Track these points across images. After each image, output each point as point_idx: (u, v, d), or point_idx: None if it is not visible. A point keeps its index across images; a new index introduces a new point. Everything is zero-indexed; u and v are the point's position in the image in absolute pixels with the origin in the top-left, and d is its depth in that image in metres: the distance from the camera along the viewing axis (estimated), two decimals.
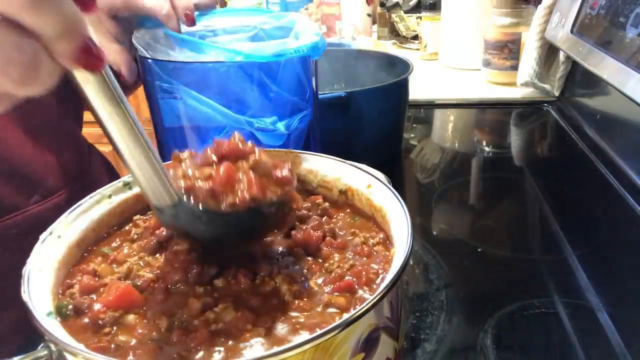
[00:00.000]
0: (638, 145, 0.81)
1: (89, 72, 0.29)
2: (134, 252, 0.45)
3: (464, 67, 1.36)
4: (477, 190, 0.88)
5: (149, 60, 0.58)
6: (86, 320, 0.37)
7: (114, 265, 0.43)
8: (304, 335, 0.35)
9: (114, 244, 0.46)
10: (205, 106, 0.57)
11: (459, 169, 0.95)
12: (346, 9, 1.59)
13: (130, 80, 0.62)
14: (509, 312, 0.54)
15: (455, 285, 0.59)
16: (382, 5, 1.67)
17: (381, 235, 0.46)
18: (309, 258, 0.43)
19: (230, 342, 0.35)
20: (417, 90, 1.15)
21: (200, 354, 0.34)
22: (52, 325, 0.33)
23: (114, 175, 0.78)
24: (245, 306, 0.37)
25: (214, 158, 0.40)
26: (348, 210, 0.50)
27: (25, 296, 0.34)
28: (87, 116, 0.71)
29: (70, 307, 0.38)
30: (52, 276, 0.39)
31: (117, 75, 0.62)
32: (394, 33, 1.69)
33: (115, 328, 0.36)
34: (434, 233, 0.72)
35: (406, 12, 1.60)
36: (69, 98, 0.66)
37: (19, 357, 0.32)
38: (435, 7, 1.45)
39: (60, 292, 0.40)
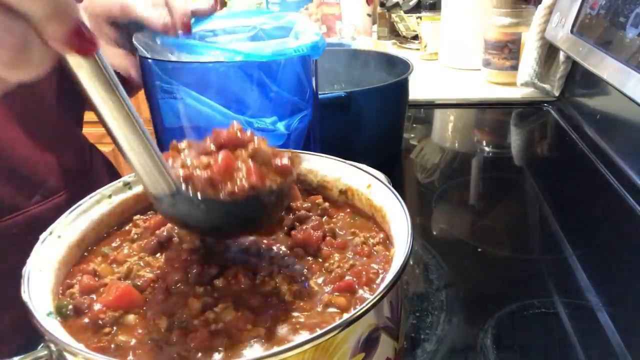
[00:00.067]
0: (638, 145, 0.81)
1: (82, 56, 0.28)
2: (134, 252, 0.45)
3: (464, 67, 1.36)
4: (477, 190, 0.88)
5: (149, 61, 0.58)
6: (86, 320, 0.37)
7: (114, 265, 0.43)
8: (304, 335, 0.35)
9: (114, 244, 0.46)
10: (205, 106, 0.57)
11: (459, 169, 0.95)
12: (346, 9, 1.59)
13: (138, 81, 0.62)
14: (509, 312, 0.54)
15: (455, 285, 0.59)
16: (382, 5, 1.67)
17: (381, 235, 0.46)
18: (309, 258, 0.43)
19: (230, 342, 0.35)
20: (417, 90, 1.15)
21: (200, 354, 0.34)
22: (52, 325, 0.33)
23: (115, 176, 0.78)
24: (245, 306, 0.37)
25: (213, 147, 0.39)
26: (348, 210, 0.50)
27: (25, 296, 0.34)
28: (88, 116, 0.71)
29: (70, 307, 0.38)
30: (52, 276, 0.39)
31: (125, 78, 0.62)
32: (394, 33, 1.69)
33: (115, 328, 0.36)
34: (434, 233, 0.72)
35: (406, 12, 1.60)
36: (70, 98, 0.66)
37: (19, 357, 0.32)
38: (435, 7, 1.45)
39: (60, 292, 0.40)
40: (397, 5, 1.61)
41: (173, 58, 0.57)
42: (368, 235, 0.46)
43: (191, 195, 0.36)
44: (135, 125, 0.32)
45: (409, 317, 0.54)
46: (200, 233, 0.42)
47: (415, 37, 1.60)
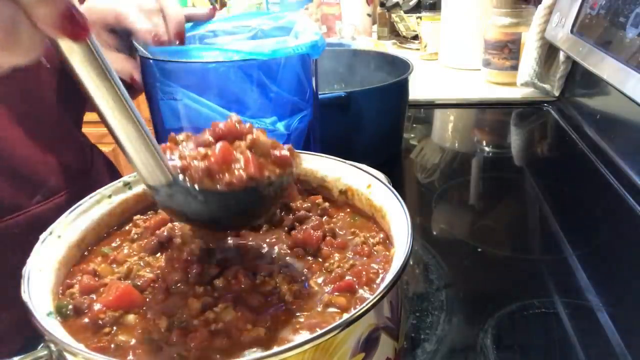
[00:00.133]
0: (638, 145, 0.81)
1: (74, 41, 0.28)
2: (134, 252, 0.45)
3: (464, 67, 1.36)
4: (477, 190, 0.88)
5: (150, 61, 0.58)
6: (86, 320, 0.37)
7: (114, 265, 0.43)
8: (304, 335, 0.35)
9: (114, 244, 0.46)
10: (204, 107, 0.57)
11: (459, 169, 0.95)
12: (346, 9, 1.60)
13: (141, 84, 0.62)
14: (509, 312, 0.54)
15: (455, 285, 0.59)
16: (382, 5, 1.67)
17: (381, 235, 0.46)
18: (309, 258, 0.43)
19: (230, 342, 0.35)
20: (417, 90, 1.15)
21: (200, 354, 0.34)
22: (52, 325, 0.33)
23: (115, 176, 0.78)
24: (245, 306, 0.37)
25: (211, 139, 0.39)
26: (348, 210, 0.50)
27: (25, 296, 0.34)
28: (88, 116, 0.72)
29: (70, 307, 0.38)
30: (52, 276, 0.39)
31: (128, 82, 0.62)
32: (394, 33, 1.69)
33: (115, 328, 0.36)
34: (434, 233, 0.72)
35: (406, 12, 1.60)
36: (70, 98, 0.66)
37: (19, 357, 0.32)
38: (435, 7, 1.45)
39: (60, 292, 0.40)
40: (397, 5, 1.61)
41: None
42: (368, 235, 0.46)
43: (188, 185, 0.36)
44: (130, 113, 0.31)
45: (409, 317, 0.54)
46: (198, 226, 0.42)
47: (415, 37, 1.60)
